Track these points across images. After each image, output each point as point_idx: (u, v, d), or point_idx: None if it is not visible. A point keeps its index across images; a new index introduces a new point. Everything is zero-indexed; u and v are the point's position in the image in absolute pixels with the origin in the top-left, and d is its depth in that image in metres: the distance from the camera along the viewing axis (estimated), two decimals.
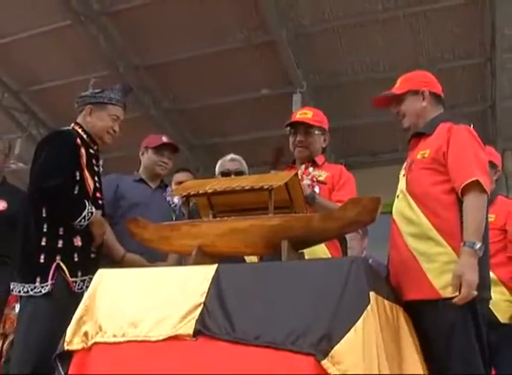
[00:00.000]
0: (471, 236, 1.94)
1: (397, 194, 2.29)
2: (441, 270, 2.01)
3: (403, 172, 2.31)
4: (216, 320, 1.66)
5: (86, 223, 2.40)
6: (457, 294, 1.90)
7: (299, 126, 2.71)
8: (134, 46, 6.51)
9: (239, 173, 2.98)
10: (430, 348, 2.02)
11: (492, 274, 2.80)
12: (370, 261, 4.58)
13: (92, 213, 2.42)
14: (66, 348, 1.81)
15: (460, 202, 2.05)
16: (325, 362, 1.50)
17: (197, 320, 1.67)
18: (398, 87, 2.37)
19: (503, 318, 2.82)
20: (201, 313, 1.69)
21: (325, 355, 1.51)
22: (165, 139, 3.13)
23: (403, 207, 2.19)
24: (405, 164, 2.34)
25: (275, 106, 6.49)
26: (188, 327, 1.67)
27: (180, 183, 3.33)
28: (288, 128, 2.78)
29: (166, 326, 1.70)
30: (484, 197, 2.01)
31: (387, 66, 6.20)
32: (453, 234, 2.03)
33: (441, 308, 1.98)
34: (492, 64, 5.99)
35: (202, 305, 1.71)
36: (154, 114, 7.13)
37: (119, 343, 1.75)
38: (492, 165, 3.01)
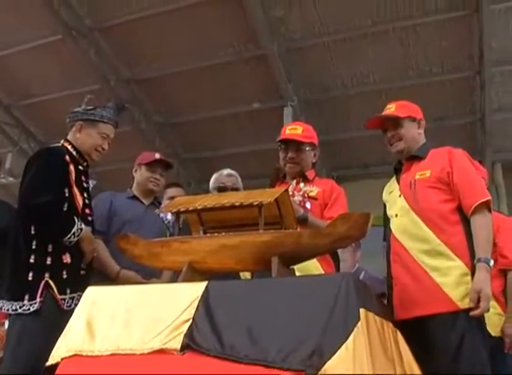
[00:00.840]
0: (485, 252, 2.08)
1: (394, 213, 2.35)
2: (456, 283, 2.11)
3: (396, 193, 2.39)
4: (205, 335, 1.64)
5: (75, 239, 2.38)
6: (470, 306, 2.01)
7: (290, 142, 2.71)
8: (125, 60, 6.53)
9: (235, 190, 2.97)
10: (437, 359, 2.06)
11: None
12: (363, 274, 4.59)
13: (81, 230, 2.41)
14: (51, 362, 1.79)
15: (464, 220, 2.18)
16: None
17: (185, 334, 1.66)
18: (397, 111, 2.44)
19: (494, 331, 2.83)
20: (190, 328, 1.67)
21: (317, 370, 1.50)
22: (157, 156, 3.14)
23: (407, 224, 2.26)
24: (395, 186, 2.43)
25: (266, 120, 6.52)
26: (176, 342, 1.66)
27: (172, 198, 3.34)
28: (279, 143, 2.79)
29: (152, 340, 1.69)
30: (490, 216, 2.17)
31: (377, 79, 6.26)
32: (461, 249, 2.15)
33: (459, 318, 2.07)
34: (481, 77, 6.06)
35: (191, 320, 1.69)
36: (144, 128, 7.13)
37: (105, 356, 1.73)
38: None
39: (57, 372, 1.78)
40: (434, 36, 5.76)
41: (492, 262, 2.06)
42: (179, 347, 1.64)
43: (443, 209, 2.21)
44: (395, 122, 2.43)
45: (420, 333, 2.10)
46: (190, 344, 1.63)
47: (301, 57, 6.16)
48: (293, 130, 2.75)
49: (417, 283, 2.17)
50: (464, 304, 2.06)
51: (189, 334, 1.66)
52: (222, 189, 2.97)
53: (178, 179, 6.83)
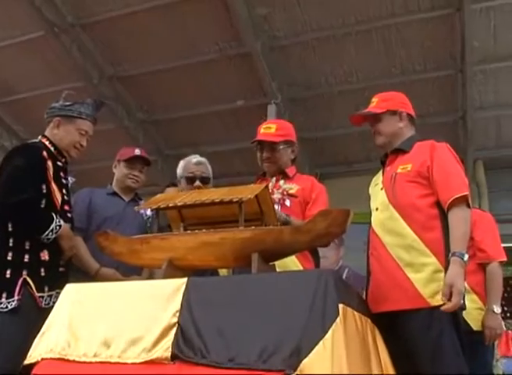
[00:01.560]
0: (460, 247, 2.06)
1: (375, 206, 2.35)
2: (428, 279, 2.09)
3: (380, 185, 2.38)
4: (191, 343, 1.65)
5: (54, 236, 2.36)
6: (444, 302, 1.98)
7: (264, 143, 2.69)
8: (108, 57, 6.48)
9: (205, 179, 2.87)
10: (413, 357, 2.06)
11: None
12: (346, 271, 4.62)
13: (60, 226, 2.39)
14: (28, 361, 1.77)
15: (442, 216, 2.16)
16: None
17: (172, 343, 1.66)
18: (376, 106, 2.43)
19: (475, 326, 2.87)
20: (176, 335, 1.67)
21: (295, 369, 1.51)
22: (137, 151, 3.07)
23: (386, 219, 2.25)
24: (380, 179, 2.41)
25: (250, 117, 6.50)
26: (165, 351, 1.65)
27: None
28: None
29: (140, 348, 1.68)
30: (469, 211, 2.14)
31: (360, 77, 6.28)
32: (437, 245, 2.13)
33: (428, 316, 2.05)
34: (462, 75, 6.10)
35: (177, 326, 1.69)
36: (128, 125, 7.08)
37: (90, 363, 1.71)
38: None
39: (37, 372, 1.76)
40: (416, 35, 5.80)
41: (466, 257, 2.04)
42: (169, 356, 1.64)
43: (421, 204, 2.19)
44: (374, 116, 2.42)
45: (391, 327, 2.10)
46: (179, 355, 1.64)
47: (285, 55, 6.16)
48: (267, 129, 2.72)
49: (389, 277, 2.16)
50: (435, 301, 2.04)
51: (176, 343, 1.66)
52: (190, 179, 2.85)
53: (161, 176, 6.80)
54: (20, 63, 6.47)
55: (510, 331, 6.58)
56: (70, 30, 6.06)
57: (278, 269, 2.06)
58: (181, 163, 2.97)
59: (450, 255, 2.04)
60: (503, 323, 5.22)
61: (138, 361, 1.66)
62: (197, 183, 2.85)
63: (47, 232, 2.34)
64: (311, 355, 1.53)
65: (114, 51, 6.37)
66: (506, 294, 4.05)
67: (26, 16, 5.82)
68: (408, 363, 2.06)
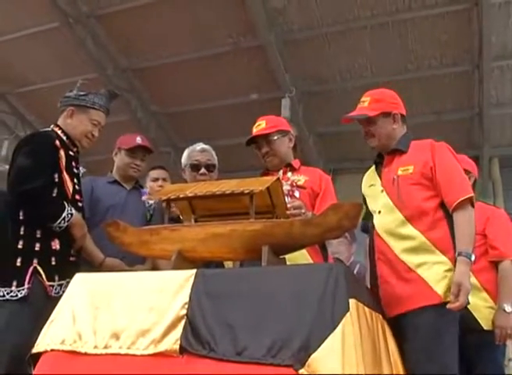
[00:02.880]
0: (467, 246, 2.08)
1: (377, 209, 2.32)
2: (440, 277, 2.10)
3: (379, 187, 2.35)
4: (199, 336, 1.63)
5: (65, 224, 2.35)
6: (450, 299, 2.00)
7: (259, 139, 2.68)
8: (122, 49, 6.50)
9: (210, 166, 2.86)
10: (418, 353, 2.05)
11: (474, 280, 2.82)
12: (357, 267, 4.58)
13: (72, 215, 2.38)
14: (36, 350, 1.77)
15: (448, 216, 2.17)
16: (303, 372, 1.48)
17: (181, 336, 1.64)
18: (369, 108, 2.38)
19: (486, 325, 2.80)
20: (185, 328, 1.65)
21: (303, 364, 1.49)
22: (139, 140, 3.00)
23: (391, 223, 2.24)
24: (377, 180, 2.38)
25: (263, 111, 6.43)
26: (174, 343, 1.64)
27: (156, 179, 3.28)
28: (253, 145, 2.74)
29: (149, 340, 1.67)
30: (473, 211, 2.17)
31: (375, 72, 6.23)
32: (446, 246, 2.15)
33: (441, 311, 2.04)
34: (479, 71, 6.03)
35: (185, 318, 1.67)
36: (141, 117, 7.11)
37: (100, 354, 1.70)
38: (467, 171, 3.03)
39: (44, 362, 1.76)
40: (433, 29, 5.74)
41: (473, 257, 2.06)
42: (178, 349, 1.63)
43: (427, 207, 2.19)
44: (368, 119, 2.37)
45: (404, 328, 2.10)
46: (187, 348, 1.62)
47: (299, 48, 6.13)
48: (258, 126, 2.70)
49: (401, 279, 2.16)
50: (447, 297, 2.05)
51: (185, 336, 1.64)
52: (195, 166, 2.84)
53: (174, 168, 6.80)
54: (35, 54, 6.51)
55: None
56: (85, 21, 6.09)
57: (288, 263, 2.03)
58: (185, 152, 2.95)
59: (457, 254, 2.07)
60: None
61: (147, 353, 1.65)
62: (203, 170, 2.83)
63: (59, 220, 2.33)
64: (319, 349, 1.51)
65: (128, 43, 6.38)
66: None
67: (41, 7, 5.84)
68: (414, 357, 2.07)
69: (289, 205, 2.25)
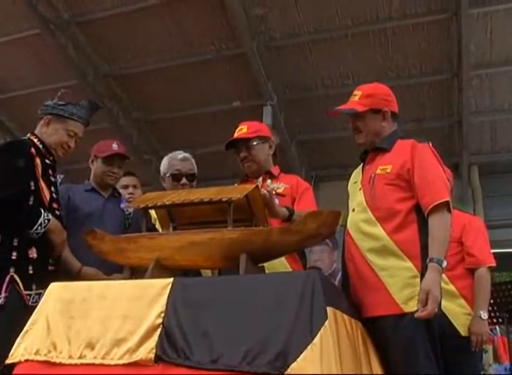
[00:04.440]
0: (439, 253, 1.99)
1: (353, 207, 2.28)
2: (403, 284, 2.03)
3: (358, 186, 2.30)
4: (175, 344, 1.62)
5: (42, 230, 2.32)
6: (418, 307, 1.92)
7: (239, 143, 2.67)
8: (104, 55, 6.46)
9: (191, 176, 2.86)
10: (389, 363, 2.02)
11: (452, 287, 2.85)
12: (340, 274, 4.59)
13: (49, 220, 2.35)
14: (11, 361, 1.75)
15: (421, 220, 2.09)
16: None
17: (156, 345, 1.63)
18: (359, 102, 2.31)
19: (463, 331, 2.84)
20: (160, 337, 1.64)
21: (281, 373, 1.47)
22: (115, 147, 2.95)
23: (361, 221, 2.19)
24: (359, 177, 2.33)
25: (245, 118, 6.42)
26: (149, 352, 1.63)
27: (126, 186, 3.27)
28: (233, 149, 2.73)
29: (124, 349, 1.65)
30: (450, 216, 2.08)
31: (356, 80, 6.25)
32: (413, 250, 2.06)
33: (402, 322, 1.99)
34: (458, 80, 6.11)
35: (161, 327, 1.66)
36: (123, 124, 7.06)
37: (76, 365, 1.68)
38: None
39: (18, 372, 1.74)
40: (413, 38, 5.81)
41: (444, 264, 1.97)
42: (153, 358, 1.61)
43: (399, 208, 2.11)
44: (357, 114, 2.31)
45: (373, 333, 2.07)
46: (163, 357, 1.61)
47: (281, 56, 6.15)
48: (239, 131, 2.70)
49: (364, 282, 2.10)
50: (409, 307, 1.98)
51: (160, 344, 1.63)
52: (176, 176, 2.82)
53: (156, 176, 6.76)
54: (15, 60, 6.44)
55: (504, 336, 6.56)
56: (66, 27, 6.04)
57: (267, 271, 2.03)
58: (165, 160, 2.93)
59: (428, 260, 1.97)
60: (497, 328, 5.20)
61: (121, 362, 1.63)
62: (184, 180, 2.82)
63: (35, 226, 2.30)
64: (299, 359, 1.49)
65: (110, 49, 6.35)
66: (498, 300, 4.02)
67: (22, 13, 5.78)
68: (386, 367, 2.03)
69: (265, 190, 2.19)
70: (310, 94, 6.58)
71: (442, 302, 2.65)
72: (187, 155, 2.95)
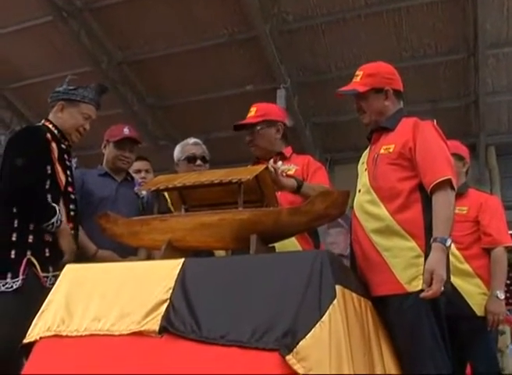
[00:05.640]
0: (443, 232, 1.95)
1: (359, 188, 2.27)
2: (406, 264, 2.01)
3: (364, 166, 2.29)
4: (182, 318, 1.63)
5: (53, 229, 2.36)
6: (422, 288, 1.91)
7: (246, 126, 2.67)
8: (117, 42, 6.49)
9: (204, 158, 2.93)
10: (396, 342, 2.03)
11: (467, 266, 2.83)
12: None
13: (61, 221, 2.38)
14: (27, 340, 1.80)
15: (425, 199, 2.06)
16: (290, 358, 1.47)
17: (162, 316, 1.65)
18: (360, 82, 2.29)
19: (479, 311, 2.83)
20: (167, 310, 1.66)
21: (290, 350, 1.48)
22: (126, 131, 2.99)
23: (366, 202, 2.17)
24: (366, 158, 2.32)
25: (259, 102, 6.47)
26: (153, 323, 1.65)
27: (138, 171, 3.30)
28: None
29: (130, 321, 1.68)
30: (453, 194, 2.03)
31: (370, 61, 6.20)
32: (417, 230, 2.04)
33: (406, 302, 1.98)
34: (475, 59, 6.03)
35: (168, 302, 1.68)
36: (137, 110, 7.10)
37: (81, 336, 1.73)
38: (460, 157, 3.02)
39: (35, 351, 1.79)
40: (428, 17, 5.73)
41: (449, 242, 1.93)
42: (157, 329, 1.63)
43: (402, 188, 2.09)
44: (359, 94, 2.28)
45: (380, 313, 2.07)
46: (168, 327, 1.63)
47: (294, 39, 6.13)
48: (249, 113, 2.69)
49: (369, 263, 2.09)
50: (412, 287, 1.97)
51: (166, 316, 1.64)
52: (191, 158, 2.90)
53: (172, 161, 6.81)
54: (29, 49, 6.50)
55: None
56: (78, 14, 6.07)
57: (278, 251, 2.05)
58: (177, 147, 3.01)
59: (432, 240, 1.95)
60: None
61: (126, 332, 1.65)
62: (199, 162, 2.89)
63: (47, 223, 2.34)
64: (307, 337, 1.50)
65: (123, 35, 6.37)
66: None
67: (35, 1, 5.82)
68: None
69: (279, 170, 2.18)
70: (323, 76, 6.55)
71: (457, 281, 2.69)
72: (198, 140, 3.03)
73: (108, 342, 1.67)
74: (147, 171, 3.36)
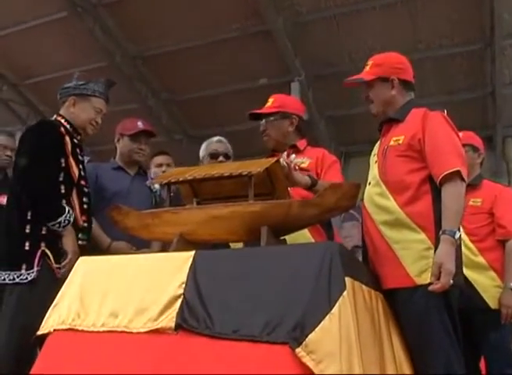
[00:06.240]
0: (452, 224, 1.94)
1: (369, 180, 2.25)
2: (416, 257, 1.99)
3: (375, 158, 2.27)
4: (196, 314, 1.65)
5: (60, 228, 2.39)
6: (431, 280, 1.89)
7: (261, 116, 2.69)
8: (131, 37, 6.50)
9: (227, 155, 3.00)
10: (406, 335, 2.02)
11: (481, 258, 2.80)
12: None
13: (69, 222, 2.41)
14: (41, 332, 1.82)
15: (433, 190, 2.04)
16: (300, 351, 1.48)
17: (177, 313, 1.67)
18: (368, 72, 2.28)
19: (493, 304, 2.80)
20: (181, 306, 1.68)
21: (299, 343, 1.49)
22: (140, 124, 3.03)
23: (376, 194, 2.16)
24: (376, 150, 2.30)
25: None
26: (169, 320, 1.67)
27: (160, 165, 3.35)
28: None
29: (146, 318, 1.70)
30: (463, 186, 2.00)
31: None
32: (426, 222, 2.02)
33: (415, 295, 1.97)
34: (491, 50, 5.93)
35: (182, 297, 1.70)
36: (151, 105, 7.12)
37: (98, 332, 1.75)
38: (474, 148, 2.99)
39: (48, 342, 1.82)
40: (443, 8, 5.64)
41: (458, 235, 1.92)
42: (173, 326, 1.66)
43: (411, 180, 2.06)
44: (366, 83, 2.27)
45: (391, 306, 2.06)
46: (183, 324, 1.65)
47: (308, 31, 6.07)
48: (267, 103, 2.72)
49: (379, 256, 2.08)
50: (422, 279, 1.95)
51: (181, 313, 1.67)
52: (214, 155, 2.99)
53: (186, 155, 6.83)
54: (44, 44, 6.54)
55: None
56: (93, 10, 6.09)
57: (289, 244, 2.05)
58: (203, 145, 3.10)
59: (441, 232, 1.93)
60: None
61: (143, 330, 1.68)
62: (221, 158, 2.96)
63: (54, 222, 2.37)
64: (317, 329, 1.50)
65: (136, 30, 6.38)
66: None
67: None
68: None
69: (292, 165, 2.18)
70: (338, 68, 6.48)
71: (471, 275, 2.67)
72: (223, 138, 3.11)
73: (125, 339, 1.70)
74: (168, 165, 3.40)
